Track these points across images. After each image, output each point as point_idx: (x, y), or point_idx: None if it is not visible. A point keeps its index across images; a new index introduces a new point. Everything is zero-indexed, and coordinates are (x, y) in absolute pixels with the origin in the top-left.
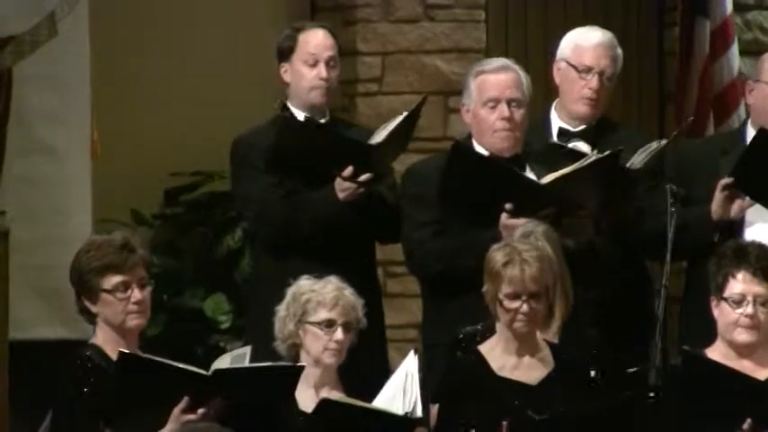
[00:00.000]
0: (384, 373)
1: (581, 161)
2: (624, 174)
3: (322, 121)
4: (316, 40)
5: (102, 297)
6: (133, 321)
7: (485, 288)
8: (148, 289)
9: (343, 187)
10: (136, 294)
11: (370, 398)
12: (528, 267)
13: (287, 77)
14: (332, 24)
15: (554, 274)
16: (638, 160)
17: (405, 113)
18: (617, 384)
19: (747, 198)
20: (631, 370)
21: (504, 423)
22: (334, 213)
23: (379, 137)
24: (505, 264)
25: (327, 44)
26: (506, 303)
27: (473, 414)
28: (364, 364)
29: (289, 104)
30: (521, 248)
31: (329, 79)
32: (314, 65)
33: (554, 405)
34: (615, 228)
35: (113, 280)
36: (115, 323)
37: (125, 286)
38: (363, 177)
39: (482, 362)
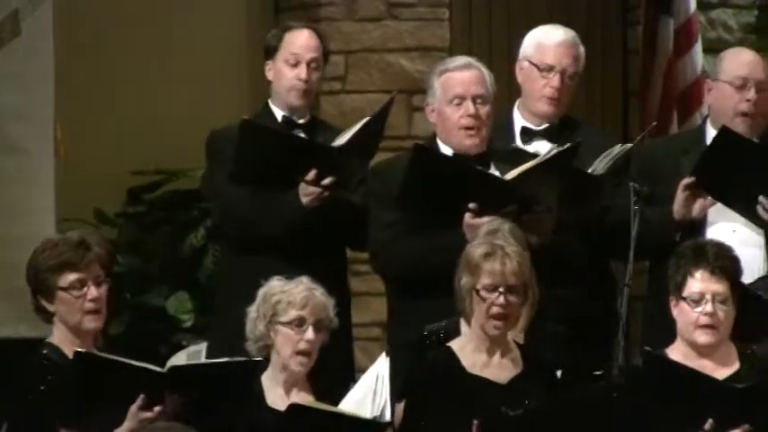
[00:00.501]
0: (350, 372)
1: (542, 155)
2: (586, 178)
3: (300, 121)
4: (300, 41)
5: (58, 295)
6: (89, 324)
7: (462, 280)
8: (105, 287)
9: (306, 192)
10: (92, 292)
11: (339, 397)
12: (509, 261)
13: (270, 76)
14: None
15: (530, 272)
16: (600, 166)
17: (368, 117)
18: (582, 384)
19: (709, 197)
20: (597, 372)
21: (475, 422)
22: (296, 218)
23: (341, 139)
24: (487, 256)
25: (311, 45)
26: (483, 294)
27: (442, 411)
28: (331, 364)
29: (270, 104)
30: (502, 243)
31: (309, 81)
32: (295, 65)
33: (524, 404)
34: (579, 226)
35: (69, 278)
36: (72, 322)
37: (81, 284)
38: (326, 181)
39: (453, 358)
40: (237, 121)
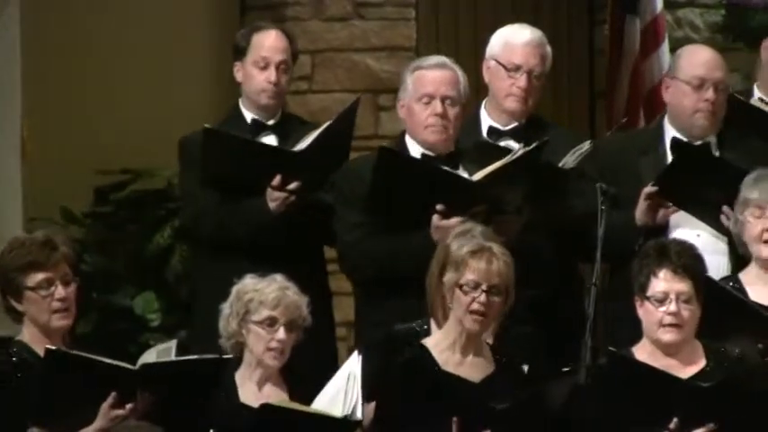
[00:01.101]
0: (333, 372)
1: (509, 156)
2: (555, 172)
3: (270, 122)
4: (269, 43)
5: (26, 295)
6: (58, 322)
7: (446, 278)
8: (73, 286)
9: (273, 197)
10: (60, 291)
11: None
12: (496, 261)
13: (239, 77)
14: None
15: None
16: (569, 161)
17: (330, 120)
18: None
19: (672, 205)
20: (565, 369)
21: (455, 419)
22: (265, 222)
23: (303, 144)
24: (474, 253)
25: (280, 47)
26: (466, 289)
27: (416, 408)
28: (312, 363)
29: (240, 105)
30: (489, 243)
31: (279, 83)
32: (264, 68)
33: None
34: (546, 225)
35: (36, 277)
36: (40, 321)
37: (48, 283)
38: (292, 186)
39: (428, 356)
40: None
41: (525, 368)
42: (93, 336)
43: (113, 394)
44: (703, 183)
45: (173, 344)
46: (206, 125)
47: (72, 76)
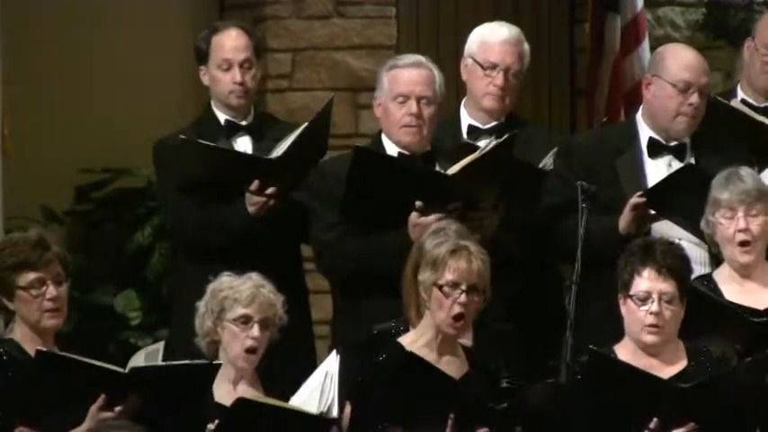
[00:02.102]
0: (311, 371)
1: (481, 149)
2: (534, 172)
3: (243, 123)
4: (228, 44)
5: (17, 294)
6: (49, 321)
7: (422, 277)
8: (65, 286)
9: (252, 201)
10: (51, 291)
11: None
12: (475, 260)
13: (205, 81)
14: (242, 21)
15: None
16: (549, 162)
17: (306, 124)
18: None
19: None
20: (551, 364)
21: (451, 416)
22: (244, 227)
23: (279, 150)
24: (453, 253)
25: (240, 46)
26: (446, 290)
27: (394, 407)
28: (289, 362)
29: (212, 106)
30: (467, 243)
31: (244, 82)
32: (228, 69)
33: (474, 402)
34: (527, 223)
35: (28, 277)
36: (31, 321)
37: (40, 283)
38: (270, 191)
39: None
40: (182, 129)
41: (501, 364)
42: (74, 334)
43: (102, 397)
44: (688, 192)
45: (160, 346)
46: (182, 136)
47: (53, 74)
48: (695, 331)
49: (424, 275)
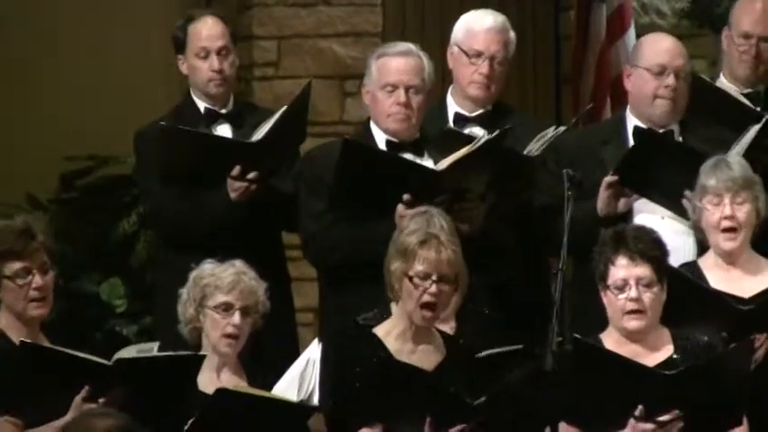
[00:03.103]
0: (294, 358)
1: (472, 144)
2: (520, 159)
3: (223, 111)
4: (205, 32)
5: (2, 283)
6: (35, 311)
7: (393, 266)
8: (51, 275)
9: (234, 187)
10: (37, 280)
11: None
12: (444, 250)
13: (184, 70)
14: (228, 9)
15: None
16: (534, 147)
17: (284, 108)
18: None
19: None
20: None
21: (428, 420)
22: (227, 213)
23: (258, 134)
24: (422, 243)
25: (216, 34)
26: (416, 281)
27: (372, 398)
28: (272, 350)
29: (192, 95)
30: (437, 232)
31: (223, 70)
32: (206, 57)
33: (450, 391)
34: (513, 211)
35: (13, 266)
36: (17, 310)
37: (26, 272)
38: (251, 176)
39: (380, 345)
40: (162, 117)
41: (483, 354)
42: (59, 322)
43: (86, 388)
44: (663, 168)
45: (154, 345)
46: (161, 123)
47: (37, 61)
48: (681, 318)
49: (395, 265)
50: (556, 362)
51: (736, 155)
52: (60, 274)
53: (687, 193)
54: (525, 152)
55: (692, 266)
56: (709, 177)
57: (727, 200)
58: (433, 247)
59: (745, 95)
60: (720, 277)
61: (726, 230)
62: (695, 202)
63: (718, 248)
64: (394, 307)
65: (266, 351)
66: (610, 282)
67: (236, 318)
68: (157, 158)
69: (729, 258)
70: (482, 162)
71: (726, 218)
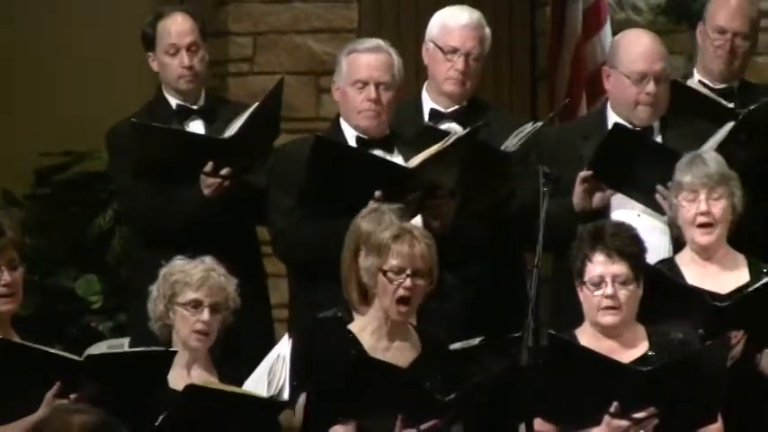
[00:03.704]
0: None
1: (444, 141)
2: (496, 155)
3: (195, 107)
4: (174, 28)
5: None
6: (4, 306)
7: (368, 263)
8: (20, 271)
9: (207, 183)
10: (5, 276)
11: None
12: (418, 244)
13: (154, 67)
14: (203, 5)
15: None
16: (512, 143)
17: (257, 103)
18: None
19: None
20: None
21: (400, 417)
22: (200, 210)
23: (231, 130)
24: (395, 238)
25: (185, 30)
26: (390, 276)
27: (347, 395)
28: (246, 345)
29: (163, 91)
30: (410, 227)
31: (193, 66)
32: (175, 53)
33: (424, 387)
34: (490, 208)
35: None
36: None
37: None
38: (224, 171)
39: (355, 342)
40: (133, 114)
41: (457, 346)
42: (35, 318)
43: (58, 384)
44: (637, 163)
45: (125, 341)
46: (132, 120)
47: (12, 57)
48: (658, 315)
49: (368, 261)
50: (531, 358)
51: (709, 149)
52: (36, 270)
53: (659, 187)
54: (503, 148)
55: (669, 263)
56: (684, 174)
57: (702, 196)
58: (407, 242)
59: (719, 91)
60: (697, 273)
61: (701, 225)
62: (671, 199)
63: (694, 244)
64: (354, 309)
65: (241, 347)
66: (586, 278)
67: (206, 314)
68: (130, 155)
69: (705, 254)
70: (453, 159)
71: (701, 213)
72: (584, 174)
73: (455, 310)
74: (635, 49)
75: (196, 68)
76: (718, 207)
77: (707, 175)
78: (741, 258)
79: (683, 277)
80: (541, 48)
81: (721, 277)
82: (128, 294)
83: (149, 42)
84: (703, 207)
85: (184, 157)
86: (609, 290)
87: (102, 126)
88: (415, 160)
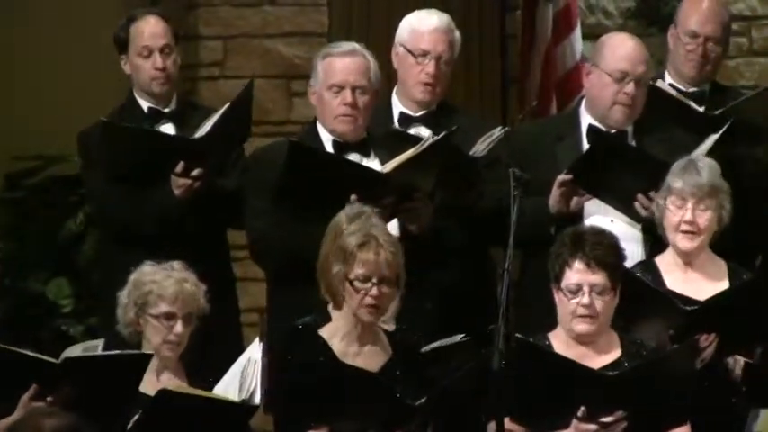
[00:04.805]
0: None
1: (418, 145)
2: (467, 160)
3: (167, 110)
4: (147, 31)
5: None
6: None
7: (334, 270)
8: None
9: (177, 184)
10: None
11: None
12: (383, 251)
13: (127, 70)
14: (174, 9)
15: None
16: (480, 148)
17: (227, 105)
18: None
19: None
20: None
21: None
22: (171, 210)
23: (202, 130)
24: (361, 246)
25: (158, 32)
26: (357, 284)
27: (318, 400)
28: (216, 350)
29: (134, 94)
30: (376, 233)
31: (166, 68)
32: (148, 56)
33: (398, 391)
34: (461, 209)
35: None
36: None
37: None
38: (195, 173)
39: (325, 348)
40: (104, 117)
41: (428, 348)
42: (6, 322)
43: (34, 386)
44: (617, 171)
45: (99, 342)
46: (102, 118)
47: None
48: (630, 316)
49: (336, 268)
50: (502, 361)
51: (701, 154)
52: (7, 274)
53: (640, 196)
54: (471, 153)
55: (649, 265)
56: (676, 179)
57: (690, 204)
58: (372, 249)
59: (691, 94)
60: (677, 278)
61: (683, 233)
62: (659, 200)
63: (676, 247)
64: (331, 310)
65: (211, 351)
66: (563, 284)
67: (179, 327)
68: (101, 156)
69: (686, 258)
70: (429, 162)
71: (686, 222)
72: (562, 178)
73: (432, 310)
74: (620, 49)
75: (169, 70)
76: (704, 218)
77: (697, 185)
78: (722, 265)
79: (662, 281)
80: (512, 52)
81: (702, 283)
82: (98, 296)
83: (122, 45)
84: (689, 216)
85: (155, 158)
86: (585, 299)
87: (74, 130)
88: (390, 165)
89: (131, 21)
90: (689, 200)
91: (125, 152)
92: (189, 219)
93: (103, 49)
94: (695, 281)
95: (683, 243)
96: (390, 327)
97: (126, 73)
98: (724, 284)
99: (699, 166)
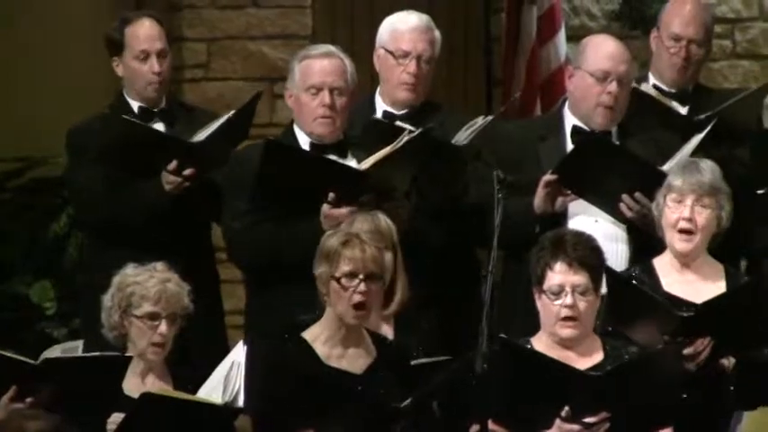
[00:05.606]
0: (222, 359)
1: (395, 143)
2: (447, 148)
3: (156, 109)
4: (144, 34)
5: None
6: None
7: (319, 271)
8: None
9: (168, 180)
10: None
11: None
12: (368, 248)
13: (119, 71)
14: (157, 10)
15: (392, 258)
16: (462, 137)
17: (230, 114)
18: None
19: (571, 193)
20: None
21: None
22: (160, 205)
23: (201, 135)
24: (344, 243)
25: (155, 35)
26: (344, 282)
27: (302, 403)
28: (200, 352)
29: (125, 95)
30: (357, 232)
31: (162, 72)
32: (145, 59)
33: (380, 393)
34: (444, 203)
35: None
36: None
37: None
38: (187, 172)
39: (309, 350)
40: (96, 115)
41: (417, 362)
42: None
43: (13, 388)
44: (603, 171)
45: (79, 343)
46: (104, 111)
47: None
48: (623, 321)
49: (320, 270)
50: (485, 362)
51: (686, 155)
52: None
53: (624, 197)
54: (453, 141)
55: (646, 266)
56: (676, 177)
57: (689, 201)
58: (356, 246)
59: (674, 94)
60: (674, 280)
61: (681, 231)
62: (659, 197)
63: (673, 248)
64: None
65: (195, 354)
66: (546, 286)
67: (164, 327)
68: (94, 149)
69: (683, 259)
70: (405, 160)
71: (684, 219)
72: (547, 178)
73: (424, 318)
74: (602, 50)
75: (164, 75)
76: (703, 216)
77: (698, 183)
78: (720, 268)
79: (659, 283)
80: (496, 53)
81: (699, 285)
82: (80, 297)
83: (116, 47)
84: (687, 213)
85: (150, 154)
86: (568, 300)
87: (57, 131)
88: (367, 162)
89: (126, 23)
90: (688, 197)
91: (121, 146)
92: (174, 211)
93: (87, 50)
94: (692, 283)
95: (681, 245)
96: (388, 329)
97: (118, 75)
98: (721, 286)
99: (701, 167)
